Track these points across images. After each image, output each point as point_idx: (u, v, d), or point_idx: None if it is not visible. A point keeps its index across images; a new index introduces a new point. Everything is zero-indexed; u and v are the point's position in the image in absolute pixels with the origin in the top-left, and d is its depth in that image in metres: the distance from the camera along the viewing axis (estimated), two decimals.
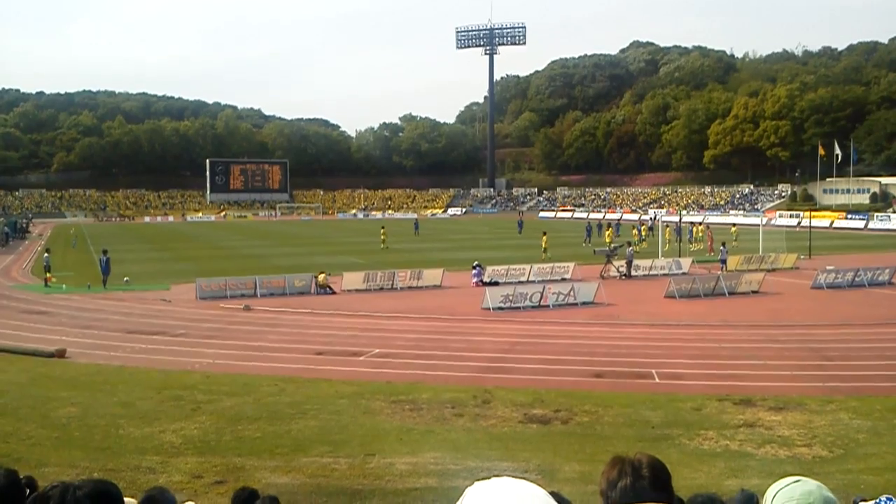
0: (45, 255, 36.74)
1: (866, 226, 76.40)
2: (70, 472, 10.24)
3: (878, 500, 4.29)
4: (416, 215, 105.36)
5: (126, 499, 4.87)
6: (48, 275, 34.76)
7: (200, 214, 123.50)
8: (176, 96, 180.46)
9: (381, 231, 59.22)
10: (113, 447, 12.25)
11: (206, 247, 59.48)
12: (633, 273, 35.68)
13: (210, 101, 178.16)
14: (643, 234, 56.65)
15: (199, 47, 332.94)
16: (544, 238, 45.13)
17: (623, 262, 35.93)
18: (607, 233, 53.71)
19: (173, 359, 19.34)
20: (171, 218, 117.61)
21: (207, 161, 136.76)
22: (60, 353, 19.58)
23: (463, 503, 1.38)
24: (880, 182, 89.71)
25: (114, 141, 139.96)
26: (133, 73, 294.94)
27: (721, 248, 38.38)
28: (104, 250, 35.68)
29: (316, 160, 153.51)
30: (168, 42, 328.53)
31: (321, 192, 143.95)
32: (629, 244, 39.27)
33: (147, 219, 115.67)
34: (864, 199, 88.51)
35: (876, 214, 79.28)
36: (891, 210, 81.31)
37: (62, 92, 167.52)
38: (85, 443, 12.48)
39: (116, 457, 11.73)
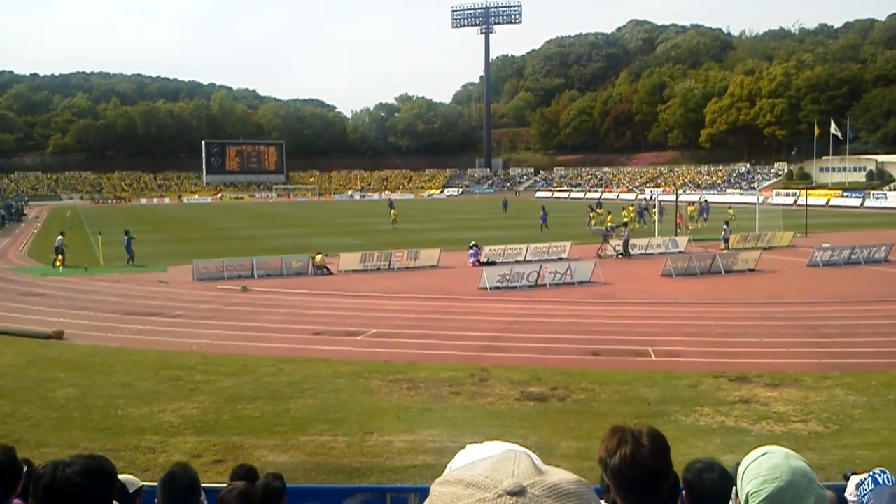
0: (59, 237, 36.77)
1: (862, 204, 76.37)
2: (69, 453, 10.19)
3: (871, 473, 4.33)
4: (389, 195, 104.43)
5: (127, 476, 4.89)
6: (59, 257, 34.59)
7: (196, 196, 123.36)
8: (171, 77, 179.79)
9: (392, 212, 59.32)
10: (112, 427, 12.32)
11: (202, 228, 59.44)
12: (631, 252, 35.72)
13: (205, 83, 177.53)
14: (645, 215, 55.51)
15: (194, 28, 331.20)
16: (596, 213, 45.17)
17: (620, 242, 35.94)
18: (595, 214, 53.27)
19: (171, 340, 19.37)
20: (167, 200, 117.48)
21: (203, 142, 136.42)
22: (58, 335, 19.61)
23: (453, 462, 1.40)
24: (876, 160, 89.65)
25: (109, 123, 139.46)
26: (127, 55, 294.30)
27: (724, 226, 38.25)
28: (126, 230, 36.27)
29: (312, 141, 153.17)
30: (162, 23, 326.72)
31: (317, 174, 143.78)
32: (625, 225, 38.99)
33: (143, 201, 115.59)
34: (861, 177, 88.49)
35: (872, 192, 79.25)
36: (887, 188, 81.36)
37: (56, 74, 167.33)
38: (84, 423, 12.54)
39: (116, 437, 11.80)
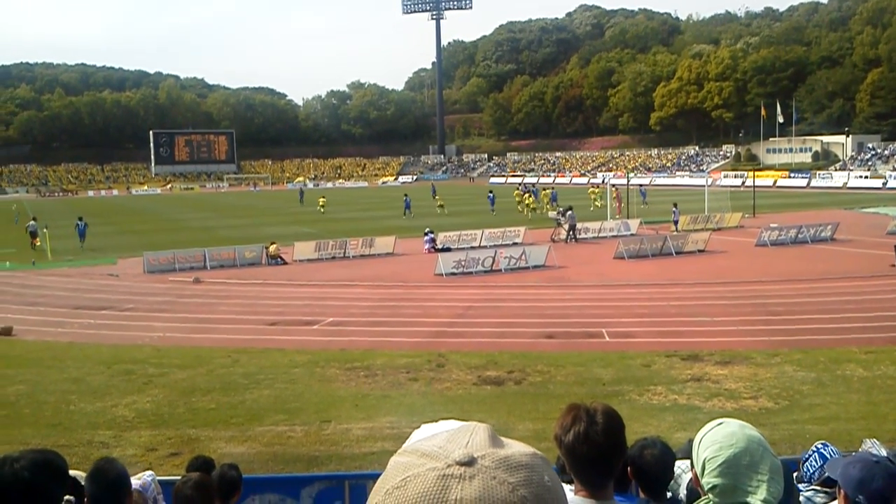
0: (33, 222, 39.19)
1: (808, 184, 77.99)
2: (20, 450, 10.08)
3: (815, 448, 4.40)
4: (300, 185, 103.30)
5: (79, 472, 4.83)
6: (35, 240, 36.74)
7: (146, 187, 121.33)
8: (116, 67, 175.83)
9: (321, 200, 60.67)
10: (64, 423, 12.11)
11: (152, 220, 58.48)
12: (583, 236, 35.83)
13: (151, 71, 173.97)
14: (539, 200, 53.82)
15: (139, 15, 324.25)
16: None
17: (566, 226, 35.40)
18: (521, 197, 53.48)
19: (123, 333, 19.06)
20: (115, 192, 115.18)
21: (151, 132, 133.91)
22: (6, 331, 19.15)
23: (408, 441, 1.41)
24: (822, 140, 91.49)
25: (53, 114, 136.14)
26: (71, 44, 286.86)
27: (672, 209, 38.60)
28: (80, 217, 39.13)
29: (263, 130, 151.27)
30: (106, 11, 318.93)
31: (269, 163, 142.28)
32: (570, 208, 37.80)
33: (91, 193, 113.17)
34: (807, 157, 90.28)
35: (818, 172, 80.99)
36: (832, 168, 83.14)
37: None
38: (35, 420, 12.31)
39: (68, 433, 11.61)
